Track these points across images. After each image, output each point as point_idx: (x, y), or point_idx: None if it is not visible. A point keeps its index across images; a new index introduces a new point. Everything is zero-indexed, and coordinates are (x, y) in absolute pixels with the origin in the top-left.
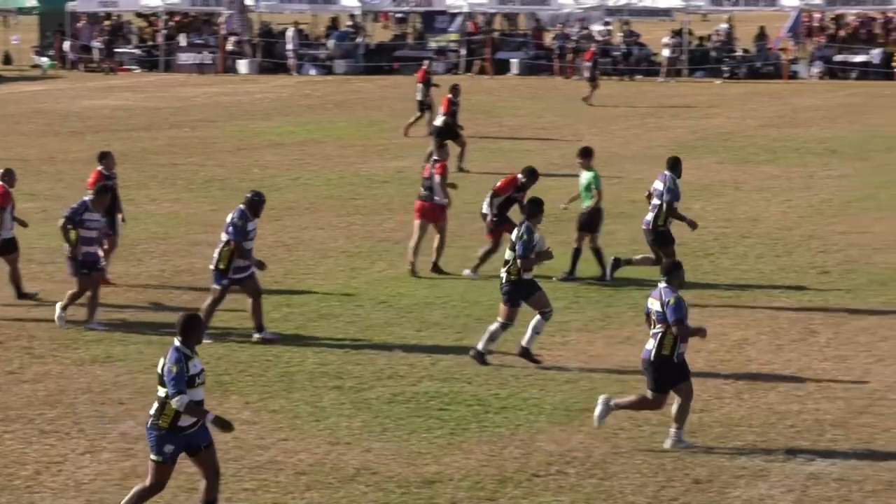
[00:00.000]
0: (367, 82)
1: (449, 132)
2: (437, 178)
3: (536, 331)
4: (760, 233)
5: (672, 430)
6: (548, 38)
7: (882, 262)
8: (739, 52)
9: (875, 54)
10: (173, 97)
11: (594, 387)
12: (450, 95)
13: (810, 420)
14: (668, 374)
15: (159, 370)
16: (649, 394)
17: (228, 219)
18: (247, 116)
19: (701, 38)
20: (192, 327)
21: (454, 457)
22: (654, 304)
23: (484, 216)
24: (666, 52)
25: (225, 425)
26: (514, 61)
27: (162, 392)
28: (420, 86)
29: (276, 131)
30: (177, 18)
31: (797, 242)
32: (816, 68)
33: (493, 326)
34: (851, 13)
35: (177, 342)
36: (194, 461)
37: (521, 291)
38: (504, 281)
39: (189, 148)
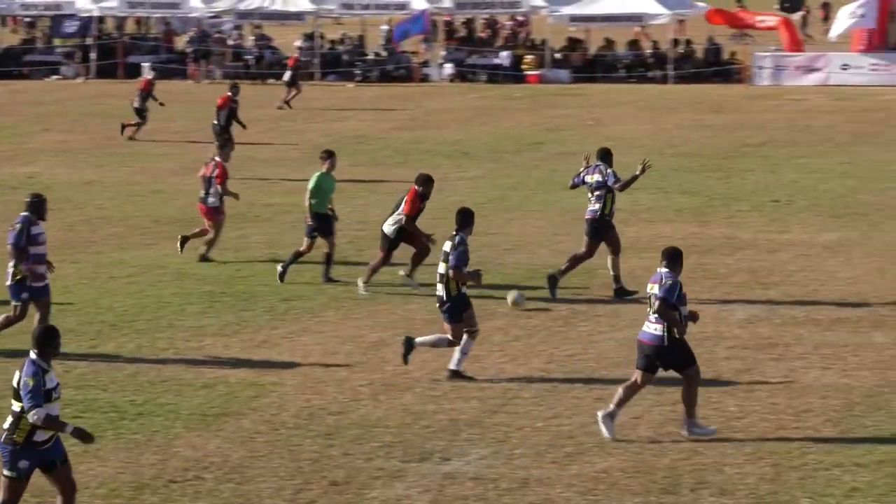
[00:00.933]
0: None
1: (223, 131)
2: (216, 183)
3: (464, 351)
4: None
5: (685, 422)
6: (180, 42)
7: (513, 262)
8: (371, 56)
9: (504, 57)
10: None
11: (231, 391)
12: (229, 93)
13: (446, 420)
14: (685, 351)
15: (14, 383)
16: (638, 376)
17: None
18: None
19: (333, 42)
20: (49, 340)
21: (90, 464)
22: (654, 289)
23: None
24: None
25: (85, 436)
26: (146, 65)
27: (17, 406)
28: (140, 93)
29: None
30: None
31: None
32: (447, 71)
33: (462, 344)
34: (482, 16)
35: (33, 355)
36: (50, 477)
37: (461, 306)
38: (444, 298)
39: None
